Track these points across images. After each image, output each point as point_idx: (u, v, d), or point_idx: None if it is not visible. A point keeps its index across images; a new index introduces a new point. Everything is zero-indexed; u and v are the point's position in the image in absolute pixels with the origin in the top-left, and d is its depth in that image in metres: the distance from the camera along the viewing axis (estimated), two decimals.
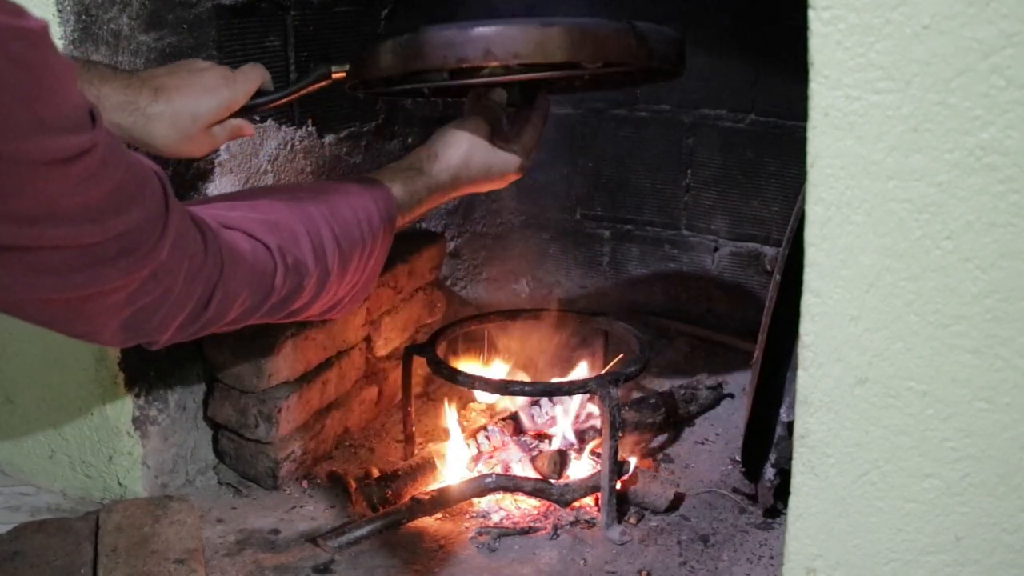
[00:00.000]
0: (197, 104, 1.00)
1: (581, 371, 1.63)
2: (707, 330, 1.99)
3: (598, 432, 1.47)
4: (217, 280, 0.78)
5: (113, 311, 0.70)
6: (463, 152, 1.08)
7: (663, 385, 1.77)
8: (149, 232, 0.68)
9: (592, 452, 1.49)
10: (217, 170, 1.40)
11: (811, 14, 0.68)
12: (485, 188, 1.14)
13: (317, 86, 1.10)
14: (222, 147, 1.40)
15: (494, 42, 0.98)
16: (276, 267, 0.85)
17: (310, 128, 1.57)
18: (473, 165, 1.09)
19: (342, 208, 0.95)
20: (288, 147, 1.53)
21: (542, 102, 1.15)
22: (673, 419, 1.62)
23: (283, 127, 1.51)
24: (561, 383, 1.47)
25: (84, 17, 1.13)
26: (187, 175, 1.35)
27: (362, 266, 0.98)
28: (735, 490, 1.43)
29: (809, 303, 0.75)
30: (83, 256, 0.63)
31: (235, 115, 1.04)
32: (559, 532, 1.35)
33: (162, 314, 0.75)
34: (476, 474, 1.44)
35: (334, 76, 1.09)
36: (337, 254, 0.92)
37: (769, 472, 1.29)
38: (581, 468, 1.47)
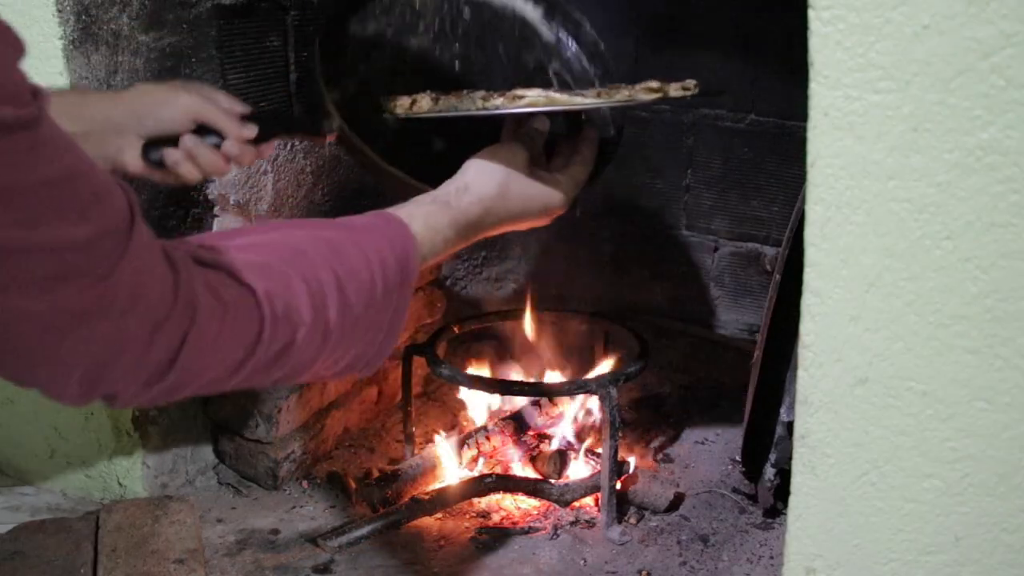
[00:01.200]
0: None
1: (581, 371, 1.63)
2: (707, 330, 1.99)
3: (597, 432, 1.47)
4: (188, 328, 0.65)
5: (62, 352, 0.59)
6: (498, 182, 0.96)
7: (663, 385, 1.77)
8: (100, 256, 0.57)
9: (591, 452, 1.49)
10: None
11: (811, 14, 0.68)
12: (525, 225, 1.01)
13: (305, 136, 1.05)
14: None
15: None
16: (263, 317, 0.72)
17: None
18: (510, 197, 0.97)
19: (347, 248, 0.82)
20: (288, 147, 1.53)
21: (590, 132, 1.06)
22: (673, 419, 1.62)
23: None
24: (561, 383, 1.47)
25: (84, 17, 1.13)
26: None
27: (377, 317, 0.84)
28: (735, 490, 1.43)
29: (809, 303, 0.75)
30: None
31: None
32: (559, 532, 1.35)
33: (122, 364, 0.63)
34: (476, 474, 1.44)
35: (328, 138, 1.04)
36: (340, 302, 0.79)
37: (769, 472, 1.29)
38: (581, 468, 1.47)
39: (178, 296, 0.64)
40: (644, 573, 1.26)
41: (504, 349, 1.72)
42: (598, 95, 0.99)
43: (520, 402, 1.57)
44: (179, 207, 1.34)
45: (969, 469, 0.74)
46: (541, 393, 1.50)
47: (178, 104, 0.98)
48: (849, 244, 0.72)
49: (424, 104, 1.01)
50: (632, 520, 1.37)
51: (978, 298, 0.70)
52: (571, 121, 1.07)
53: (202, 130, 0.98)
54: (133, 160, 0.97)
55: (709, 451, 1.57)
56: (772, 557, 1.29)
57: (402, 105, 1.02)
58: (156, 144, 0.97)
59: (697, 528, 1.36)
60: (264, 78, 1.47)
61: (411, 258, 0.87)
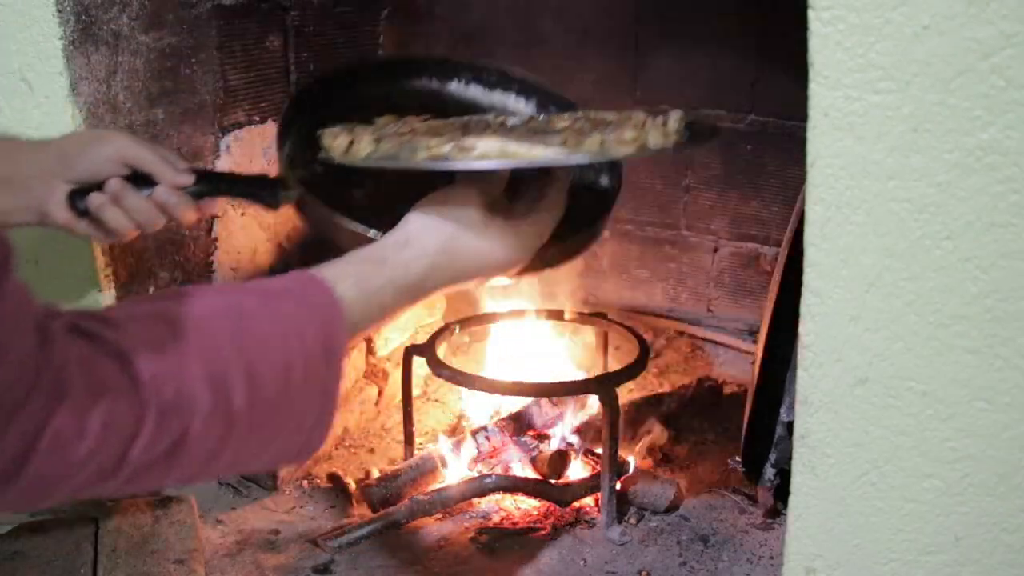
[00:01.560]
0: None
1: (581, 371, 1.63)
2: (707, 330, 1.99)
3: (597, 432, 1.47)
4: (49, 415, 0.54)
5: None
6: (445, 236, 0.80)
7: (663, 385, 1.77)
8: None
9: (591, 452, 1.49)
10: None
11: (811, 14, 0.68)
12: (480, 282, 0.86)
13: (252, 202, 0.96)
14: (222, 148, 1.40)
15: None
16: (146, 404, 0.60)
17: None
18: (459, 254, 0.81)
19: (259, 321, 0.70)
20: None
21: (558, 173, 0.89)
22: (673, 419, 1.62)
23: None
24: (561, 383, 1.47)
25: (84, 17, 1.13)
26: None
27: (300, 401, 0.71)
28: (735, 490, 1.44)
29: (809, 303, 0.75)
30: None
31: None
32: (559, 532, 1.35)
33: None
34: (476, 474, 1.44)
35: (282, 204, 0.95)
36: (248, 386, 0.67)
37: (769, 472, 1.29)
38: (581, 468, 1.47)
39: (41, 374, 0.54)
40: (644, 573, 1.26)
41: (504, 349, 1.72)
42: (564, 142, 0.84)
43: (521, 402, 1.57)
44: None
45: (969, 469, 0.74)
46: (541, 393, 1.50)
47: (109, 147, 0.91)
48: (849, 244, 0.72)
49: (363, 148, 0.89)
50: (632, 520, 1.37)
51: (978, 298, 0.70)
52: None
53: (138, 180, 0.92)
54: (58, 208, 0.90)
55: (709, 451, 1.57)
56: (772, 557, 1.29)
57: (339, 147, 0.90)
58: (84, 191, 0.91)
59: (697, 528, 1.36)
60: (264, 78, 1.47)
61: (336, 331, 0.73)
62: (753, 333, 1.93)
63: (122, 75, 1.20)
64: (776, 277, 1.23)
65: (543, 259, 0.91)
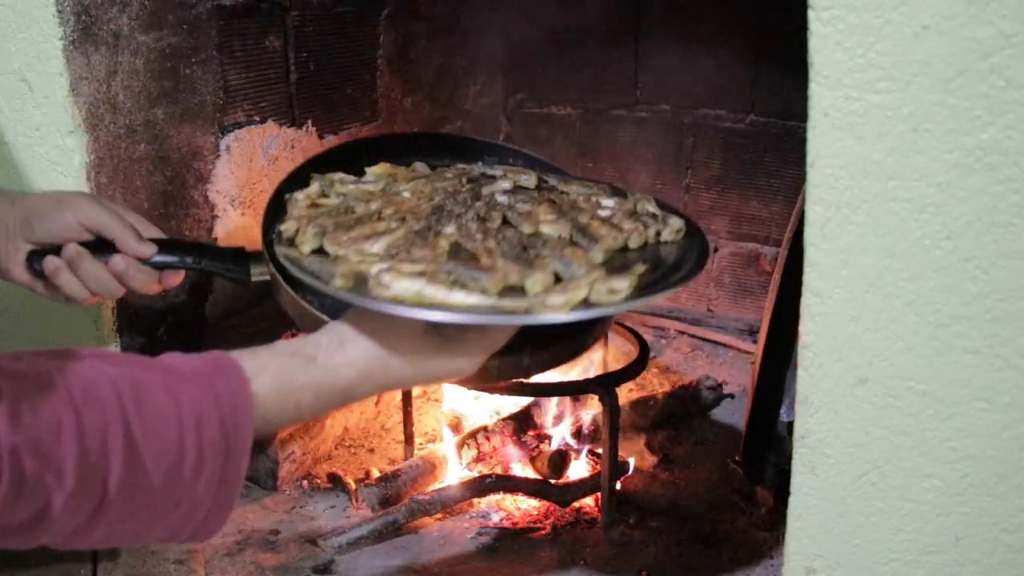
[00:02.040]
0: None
1: (581, 371, 1.63)
2: (707, 330, 1.99)
3: (597, 432, 1.47)
4: None
5: None
6: (383, 342, 0.76)
7: (663, 385, 1.77)
8: None
9: (591, 452, 1.49)
10: (217, 171, 1.40)
11: (811, 14, 0.68)
12: (421, 386, 0.84)
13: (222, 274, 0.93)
14: (222, 148, 1.40)
15: None
16: (1, 471, 0.57)
17: (310, 128, 1.58)
18: (396, 363, 0.76)
19: (155, 398, 0.66)
20: (289, 147, 1.53)
21: None
22: (673, 419, 1.62)
23: (283, 127, 1.52)
24: (561, 383, 1.47)
25: (84, 17, 1.13)
26: (187, 178, 1.35)
27: (190, 489, 0.66)
28: (735, 490, 1.43)
29: (809, 303, 0.75)
30: None
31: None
32: (559, 532, 1.35)
33: None
34: (476, 474, 1.44)
35: (254, 280, 0.92)
36: (127, 465, 0.62)
37: (769, 472, 1.29)
38: (581, 468, 1.47)
39: None
40: (644, 573, 1.26)
41: None
42: (481, 292, 0.76)
43: (521, 402, 1.57)
44: (179, 207, 1.34)
45: (969, 469, 0.74)
46: (541, 393, 1.50)
47: (70, 211, 0.89)
48: (849, 244, 0.72)
49: (305, 243, 0.84)
50: (632, 520, 1.37)
51: (978, 298, 0.70)
52: None
53: (101, 246, 0.90)
54: (17, 267, 0.90)
55: (709, 451, 1.57)
56: (772, 557, 1.29)
57: (287, 231, 0.87)
58: (43, 253, 0.89)
59: (697, 528, 1.36)
60: (264, 78, 1.47)
61: (242, 423, 0.68)
62: (753, 333, 1.94)
63: (122, 75, 1.20)
64: (776, 277, 1.23)
65: (518, 367, 0.89)
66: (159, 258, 0.91)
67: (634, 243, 0.89)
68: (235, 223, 1.45)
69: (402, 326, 0.76)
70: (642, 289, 0.80)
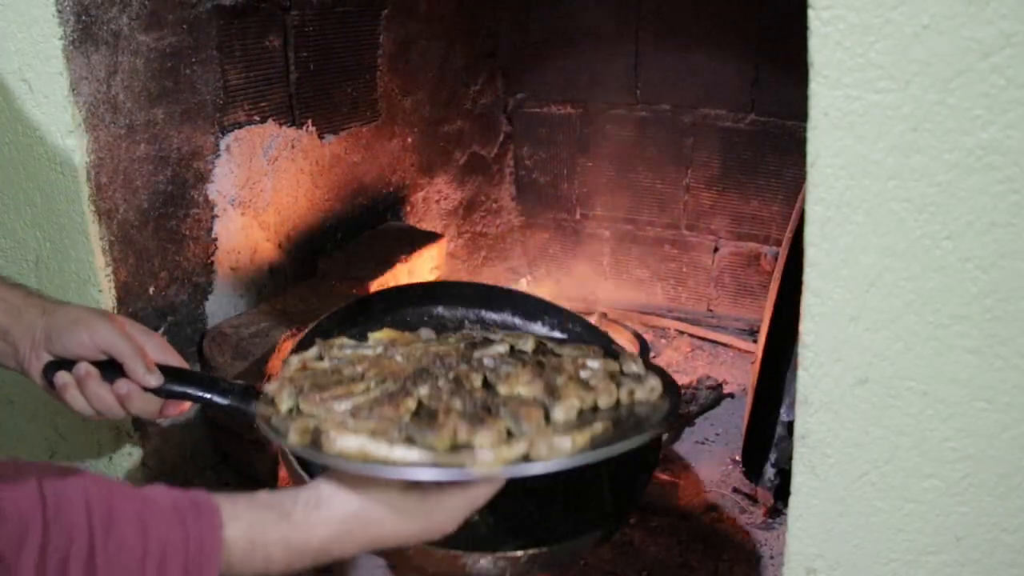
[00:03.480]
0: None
1: None
2: (707, 330, 1.99)
3: None
4: None
5: None
6: (358, 505, 0.76)
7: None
8: None
9: None
10: (217, 171, 1.40)
11: (811, 14, 0.68)
12: (400, 544, 0.80)
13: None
14: (222, 148, 1.40)
15: None
16: None
17: (310, 128, 1.58)
18: (372, 524, 0.77)
19: (125, 527, 0.67)
20: (289, 147, 1.53)
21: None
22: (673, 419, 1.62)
23: (283, 127, 1.52)
24: None
25: (84, 17, 1.13)
26: (187, 178, 1.35)
27: None
28: (735, 490, 1.44)
29: (809, 303, 0.75)
30: None
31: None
32: None
33: None
34: None
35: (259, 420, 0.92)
36: None
37: (769, 472, 1.29)
38: None
39: None
40: (644, 573, 1.26)
41: None
42: (428, 448, 0.76)
43: None
44: (179, 207, 1.34)
45: (969, 469, 0.74)
46: None
47: (87, 331, 0.92)
48: (849, 244, 0.72)
49: (283, 403, 0.86)
50: (632, 520, 1.37)
51: (978, 298, 0.70)
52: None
53: (113, 368, 0.92)
54: (35, 373, 0.93)
55: (709, 451, 1.57)
56: (772, 557, 1.29)
57: (270, 390, 0.88)
58: (59, 366, 0.93)
59: (697, 528, 1.36)
60: (264, 78, 1.47)
61: (208, 566, 0.69)
62: (753, 333, 1.94)
63: (122, 75, 1.20)
64: (776, 277, 1.23)
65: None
66: (166, 387, 0.93)
67: (603, 402, 0.88)
68: (235, 223, 1.45)
69: (379, 486, 0.77)
70: (595, 447, 0.78)
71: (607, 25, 1.98)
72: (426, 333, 1.05)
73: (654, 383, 0.92)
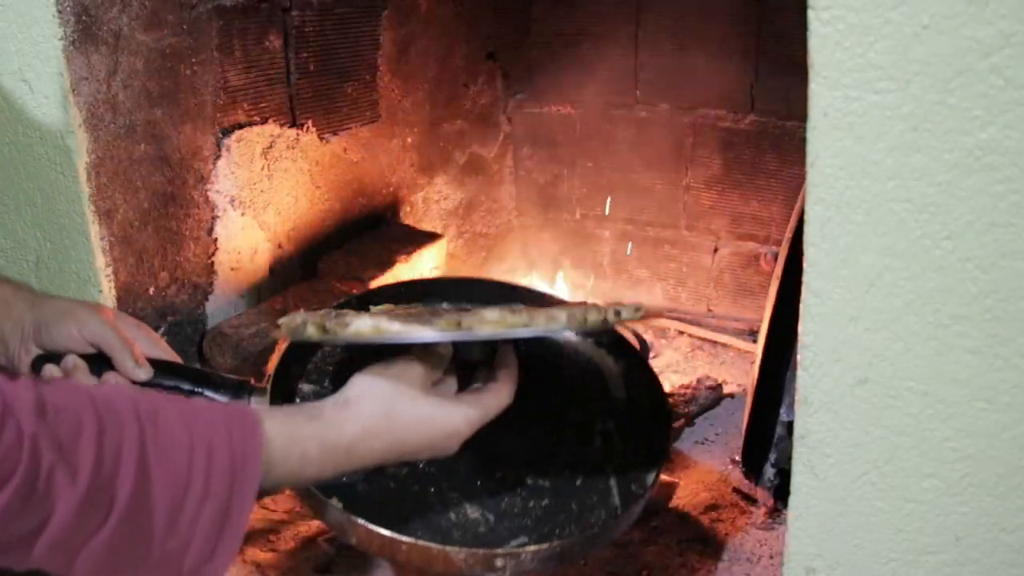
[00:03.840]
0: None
1: None
2: (707, 330, 1.99)
3: None
4: None
5: None
6: (384, 400, 0.81)
7: (663, 385, 1.77)
8: None
9: None
10: (217, 172, 1.40)
11: (811, 14, 0.68)
12: (421, 453, 0.84)
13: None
14: (222, 148, 1.40)
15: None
16: (17, 461, 0.58)
17: (310, 128, 1.58)
18: (398, 418, 0.81)
19: (169, 423, 0.68)
20: (289, 147, 1.53)
21: (508, 358, 0.92)
22: (673, 419, 1.62)
23: (283, 127, 1.52)
24: None
25: (84, 17, 1.13)
26: (187, 178, 1.35)
27: (194, 516, 0.67)
28: (735, 490, 1.43)
29: (809, 303, 0.75)
30: None
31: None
32: None
33: None
34: None
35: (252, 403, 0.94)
36: (137, 481, 0.63)
37: (769, 472, 1.29)
38: None
39: None
40: (644, 573, 1.26)
41: None
42: (436, 328, 0.83)
43: None
44: (179, 208, 1.34)
45: (969, 469, 0.74)
46: None
47: (78, 323, 0.91)
48: (849, 244, 0.72)
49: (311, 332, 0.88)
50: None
51: (978, 298, 0.70)
52: (485, 349, 0.95)
53: (102, 361, 0.91)
54: (24, 367, 0.92)
55: (709, 451, 1.57)
56: (772, 557, 1.29)
57: (287, 324, 0.89)
58: (47, 359, 0.91)
59: (697, 528, 1.36)
60: (264, 78, 1.47)
61: (251, 457, 0.70)
62: (753, 333, 1.94)
63: (122, 75, 1.20)
64: (776, 277, 1.23)
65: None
66: (155, 381, 0.92)
67: (592, 316, 0.90)
68: (235, 223, 1.45)
69: (400, 388, 0.82)
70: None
71: (607, 25, 1.98)
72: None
73: (635, 304, 0.95)
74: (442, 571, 0.89)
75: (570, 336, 1.20)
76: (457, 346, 0.92)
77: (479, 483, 0.97)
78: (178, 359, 0.98)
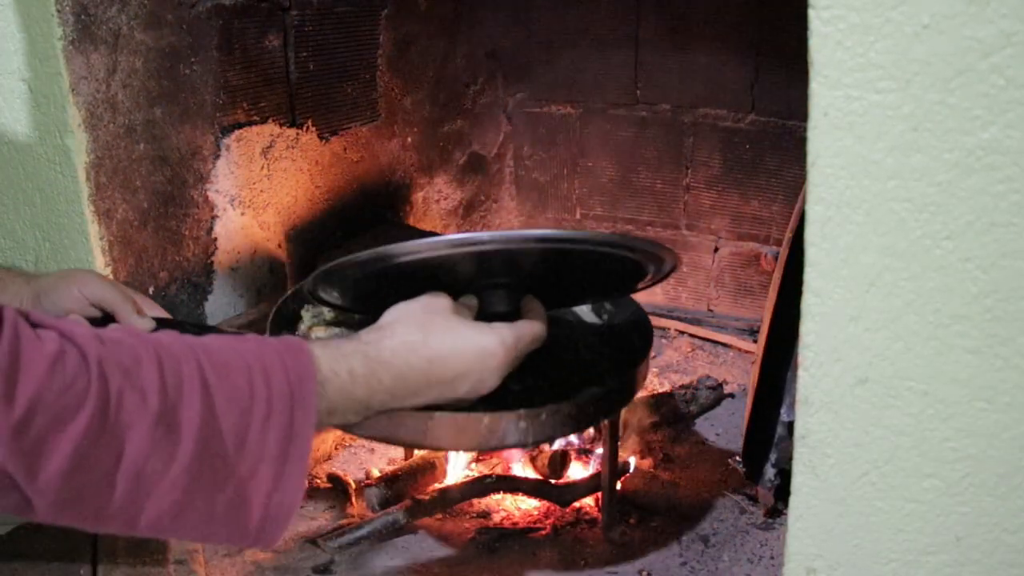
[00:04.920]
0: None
1: None
2: (707, 330, 1.99)
3: (598, 432, 1.47)
4: None
5: None
6: (418, 320, 0.83)
7: (663, 385, 1.77)
8: None
9: (592, 452, 1.49)
10: (216, 171, 1.40)
11: (811, 14, 0.68)
12: (462, 379, 0.83)
13: None
14: (222, 148, 1.40)
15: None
16: (90, 383, 0.56)
17: (310, 128, 1.57)
18: (434, 334, 0.82)
19: (223, 350, 0.67)
20: (288, 146, 1.53)
21: (532, 305, 0.94)
22: (673, 419, 1.62)
23: (283, 127, 1.52)
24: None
25: (83, 17, 1.13)
26: (187, 178, 1.35)
27: (259, 439, 0.65)
28: (735, 490, 1.43)
29: (809, 303, 0.75)
30: None
31: None
32: (559, 532, 1.35)
33: None
34: (476, 474, 1.44)
35: None
36: (203, 405, 0.62)
37: (769, 472, 1.29)
38: (581, 468, 1.47)
39: None
40: (644, 573, 1.26)
41: None
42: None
43: None
44: (179, 208, 1.34)
45: (969, 469, 0.74)
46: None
47: (75, 286, 0.92)
48: (849, 244, 0.72)
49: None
50: (632, 520, 1.37)
51: (978, 298, 0.70)
52: (512, 300, 0.98)
53: (104, 322, 0.91)
54: None
55: (709, 451, 1.57)
56: (772, 557, 1.29)
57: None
58: None
59: (697, 528, 1.36)
60: (264, 78, 1.47)
61: (306, 377, 0.70)
62: (753, 333, 1.94)
63: (121, 75, 1.20)
64: (776, 277, 1.23)
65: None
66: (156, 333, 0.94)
67: None
68: (235, 223, 1.45)
69: (432, 310, 0.85)
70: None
71: (607, 25, 1.98)
72: None
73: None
74: (469, 439, 0.94)
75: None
76: (483, 298, 0.95)
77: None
78: (167, 316, 0.98)
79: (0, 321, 0.54)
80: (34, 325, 0.58)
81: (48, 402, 0.54)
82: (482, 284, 0.96)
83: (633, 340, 1.21)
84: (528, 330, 0.89)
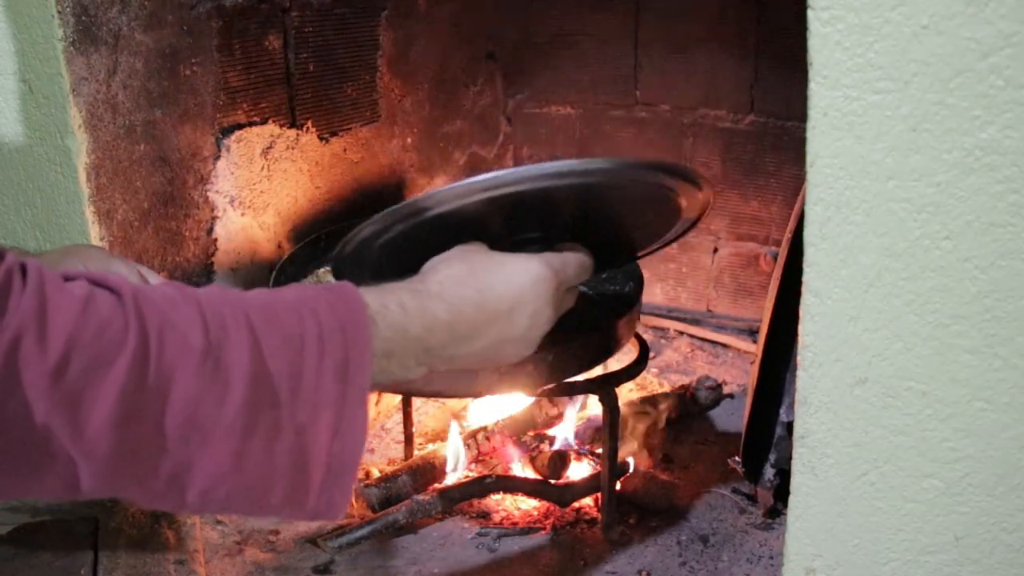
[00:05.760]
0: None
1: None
2: (706, 330, 1.99)
3: (597, 432, 1.47)
4: (21, 328, 0.49)
5: None
6: (461, 259, 0.81)
7: (663, 385, 1.77)
8: None
9: (591, 452, 1.49)
10: (216, 172, 1.40)
11: (810, 14, 0.68)
12: (516, 308, 0.78)
13: None
14: (222, 148, 1.40)
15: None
16: (127, 322, 0.53)
17: (310, 128, 1.58)
18: (479, 267, 0.79)
19: (262, 295, 0.64)
20: (288, 147, 1.53)
21: (569, 245, 0.91)
22: (673, 419, 1.62)
23: (283, 128, 1.52)
24: (562, 383, 1.47)
25: (84, 17, 1.13)
26: (187, 178, 1.35)
27: (313, 384, 0.60)
28: (735, 490, 1.43)
29: (809, 303, 0.75)
30: None
31: None
32: (559, 532, 1.35)
33: None
34: (476, 474, 1.44)
35: None
36: (250, 347, 0.57)
37: (769, 472, 1.29)
38: (581, 468, 1.47)
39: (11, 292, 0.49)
40: (644, 573, 1.26)
41: None
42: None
43: (521, 402, 1.57)
44: (179, 208, 1.34)
45: (969, 469, 0.74)
46: (541, 393, 1.50)
47: (82, 258, 0.90)
48: (849, 244, 0.72)
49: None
50: (632, 520, 1.37)
51: (977, 298, 0.70)
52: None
53: None
54: None
55: (709, 451, 1.57)
56: (772, 557, 1.29)
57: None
58: None
59: (697, 528, 1.36)
60: (264, 78, 1.47)
61: (357, 313, 0.65)
62: (753, 333, 1.94)
63: (122, 75, 1.20)
64: (776, 277, 1.23)
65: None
66: None
67: None
68: (235, 224, 1.45)
69: (472, 249, 0.83)
70: None
71: (607, 25, 1.98)
72: None
73: None
74: (540, 379, 1.04)
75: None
76: (518, 247, 0.91)
77: None
78: None
79: (24, 270, 0.51)
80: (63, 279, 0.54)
81: (84, 344, 0.50)
82: (514, 240, 0.93)
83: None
84: (573, 258, 0.85)
